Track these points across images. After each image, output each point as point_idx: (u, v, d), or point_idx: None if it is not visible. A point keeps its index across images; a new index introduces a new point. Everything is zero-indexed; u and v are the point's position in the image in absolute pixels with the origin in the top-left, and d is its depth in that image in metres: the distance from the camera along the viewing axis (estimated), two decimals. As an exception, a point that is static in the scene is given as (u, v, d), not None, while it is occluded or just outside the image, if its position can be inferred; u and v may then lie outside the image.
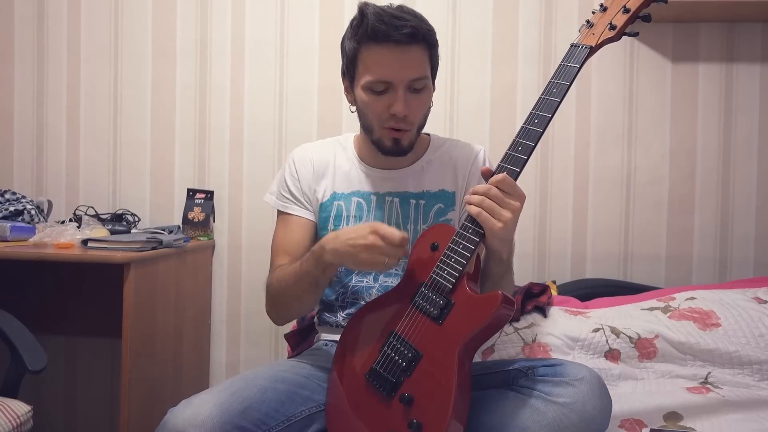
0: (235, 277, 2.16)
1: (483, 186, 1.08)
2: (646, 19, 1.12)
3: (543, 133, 1.09)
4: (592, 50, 1.13)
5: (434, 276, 1.11)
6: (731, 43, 2.03)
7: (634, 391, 1.47)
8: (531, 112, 1.11)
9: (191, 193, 2.10)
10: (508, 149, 1.11)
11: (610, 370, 1.53)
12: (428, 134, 1.43)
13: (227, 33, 2.15)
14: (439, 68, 1.32)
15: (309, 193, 1.39)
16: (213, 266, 2.16)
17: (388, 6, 1.24)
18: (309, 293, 1.26)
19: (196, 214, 2.08)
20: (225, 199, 2.16)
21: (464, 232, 1.10)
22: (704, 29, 2.03)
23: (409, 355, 1.08)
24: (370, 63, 1.22)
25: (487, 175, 1.11)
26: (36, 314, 2.10)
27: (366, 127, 1.32)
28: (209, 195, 2.10)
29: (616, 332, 1.60)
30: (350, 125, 2.01)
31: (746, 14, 1.96)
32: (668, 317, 1.64)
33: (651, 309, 1.69)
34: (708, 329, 1.59)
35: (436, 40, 1.28)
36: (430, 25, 1.25)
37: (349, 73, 1.29)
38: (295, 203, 1.39)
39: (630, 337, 1.58)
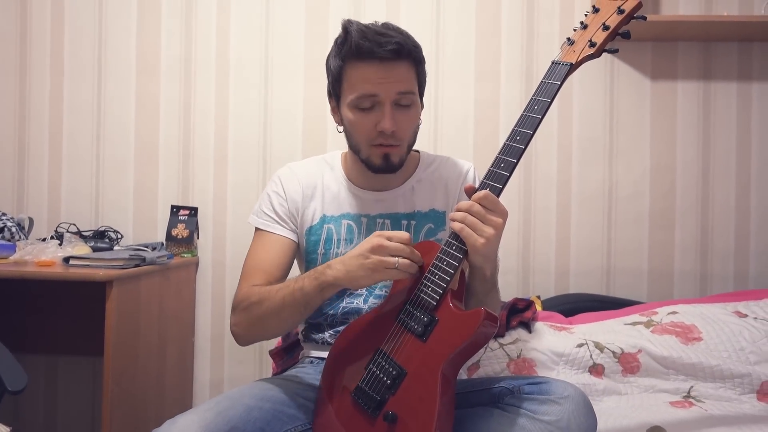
0: (219, 294, 2.15)
1: (466, 203, 1.08)
2: (626, 35, 1.13)
3: (525, 149, 1.10)
4: (573, 67, 1.14)
5: (418, 293, 1.11)
6: (708, 62, 2.08)
7: (618, 406, 1.48)
8: (513, 129, 1.12)
9: (175, 209, 2.09)
10: (491, 166, 1.11)
11: (594, 385, 1.54)
12: (418, 151, 1.43)
13: (211, 50, 2.15)
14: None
15: (296, 214, 1.36)
16: (197, 283, 2.14)
17: (372, 23, 1.24)
18: (295, 315, 1.21)
19: (180, 230, 2.06)
20: (209, 215, 2.15)
21: (448, 249, 1.10)
22: (682, 48, 2.08)
23: (394, 372, 1.08)
24: (355, 80, 1.22)
25: (470, 192, 1.11)
26: (16, 333, 2.08)
27: (354, 147, 1.31)
28: (193, 211, 2.09)
29: (599, 347, 1.61)
30: (335, 143, 2.02)
31: (722, 34, 2.01)
32: (651, 332, 1.66)
33: (634, 323, 1.71)
34: (690, 343, 1.61)
35: (422, 57, 1.28)
36: (415, 42, 1.25)
37: (335, 91, 1.29)
38: (279, 222, 1.35)
39: (613, 352, 1.60)
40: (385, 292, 1.30)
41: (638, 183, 2.09)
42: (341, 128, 1.32)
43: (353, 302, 1.32)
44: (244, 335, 1.28)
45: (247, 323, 1.25)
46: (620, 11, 1.12)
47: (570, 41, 1.16)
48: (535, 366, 1.58)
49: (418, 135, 1.33)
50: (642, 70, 2.09)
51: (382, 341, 1.13)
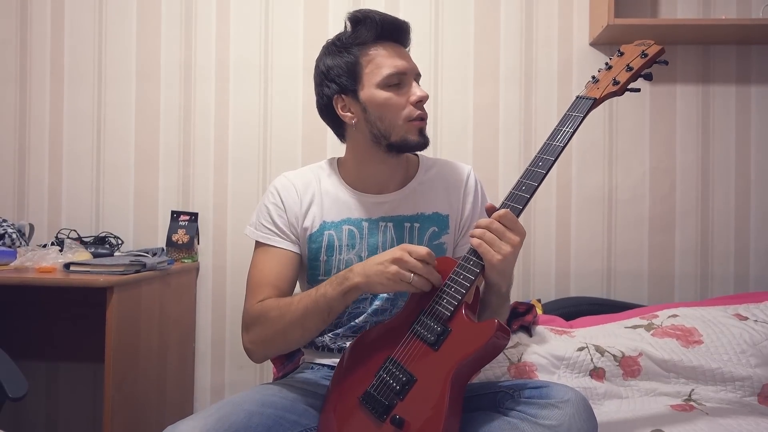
0: (220, 300, 2.15)
1: (486, 220, 1.12)
2: (648, 77, 1.20)
3: (546, 174, 1.15)
4: (596, 102, 1.19)
5: (433, 304, 1.14)
6: (707, 65, 2.08)
7: (619, 410, 1.47)
8: (536, 155, 1.17)
9: (175, 215, 2.09)
10: (513, 188, 1.16)
11: (595, 389, 1.54)
12: (416, 155, 1.43)
13: (211, 55, 2.16)
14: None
15: (296, 224, 1.34)
16: (197, 288, 2.15)
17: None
18: (319, 323, 1.22)
19: (180, 236, 2.07)
20: (209, 221, 2.15)
21: (465, 264, 1.13)
22: (681, 51, 2.08)
23: (404, 378, 1.10)
24: (381, 60, 1.26)
25: (490, 210, 1.14)
26: (17, 339, 2.08)
27: (383, 132, 1.27)
28: (193, 217, 2.09)
29: (600, 351, 1.61)
30: (335, 147, 2.01)
31: (721, 37, 2.02)
32: (651, 335, 1.66)
33: (634, 327, 1.71)
34: (691, 346, 1.61)
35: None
36: None
37: (350, 85, 1.27)
38: (279, 235, 1.34)
39: (614, 356, 1.60)
40: (390, 295, 1.31)
41: (638, 186, 2.09)
42: (354, 121, 1.29)
43: (359, 307, 1.33)
44: (261, 351, 1.29)
45: (267, 338, 1.25)
46: (644, 55, 1.19)
47: (594, 79, 1.22)
48: (535, 370, 1.58)
49: None
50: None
51: (393, 350, 1.15)
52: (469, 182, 1.39)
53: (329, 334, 1.35)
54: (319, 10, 2.14)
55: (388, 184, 1.35)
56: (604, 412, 1.42)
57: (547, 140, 1.18)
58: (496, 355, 1.11)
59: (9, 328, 2.07)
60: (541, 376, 1.56)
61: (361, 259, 1.31)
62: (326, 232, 1.33)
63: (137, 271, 1.70)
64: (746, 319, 1.69)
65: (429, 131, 2.09)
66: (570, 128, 1.17)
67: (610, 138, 2.10)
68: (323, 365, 1.34)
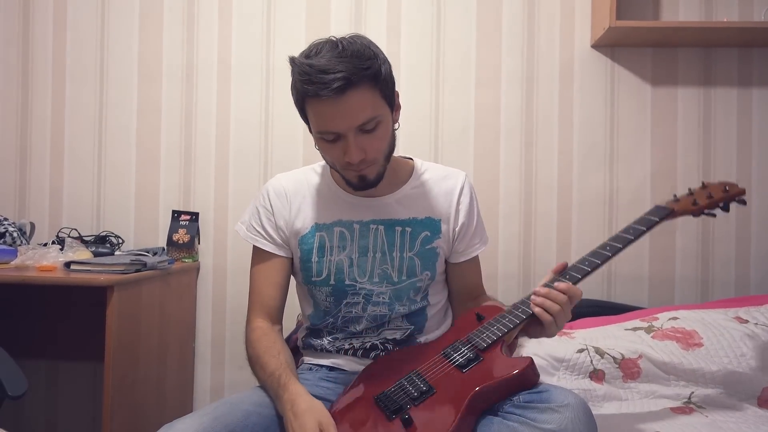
0: (220, 300, 2.15)
1: (555, 292, 1.17)
2: (725, 209, 1.31)
3: (611, 257, 1.25)
4: (672, 214, 1.30)
5: (472, 335, 1.20)
6: (708, 68, 2.08)
7: (619, 412, 1.47)
8: (605, 242, 1.27)
9: (176, 214, 2.09)
10: (578, 262, 1.25)
11: (594, 391, 1.54)
12: (411, 158, 1.42)
13: (213, 56, 2.16)
14: (422, 91, 1.32)
15: (285, 228, 1.35)
16: (198, 288, 2.15)
17: (315, 52, 1.17)
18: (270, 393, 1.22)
19: (181, 235, 2.07)
20: (210, 220, 2.15)
21: (515, 311, 1.20)
22: (682, 54, 2.08)
23: (423, 388, 1.13)
24: (313, 116, 1.19)
25: (560, 270, 1.24)
26: (17, 338, 2.08)
27: (331, 167, 1.30)
28: (194, 217, 2.09)
29: (600, 353, 1.61)
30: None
31: (722, 40, 2.01)
32: (651, 337, 1.65)
33: (634, 329, 1.71)
34: (690, 349, 1.60)
35: (380, 69, 1.17)
36: (367, 61, 1.15)
37: (303, 117, 1.25)
38: (267, 239, 1.35)
39: (614, 358, 1.59)
40: (383, 299, 1.31)
41: (639, 188, 2.09)
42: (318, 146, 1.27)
43: (351, 311, 1.33)
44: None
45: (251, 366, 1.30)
46: (725, 190, 1.30)
47: (676, 198, 1.34)
48: (535, 371, 1.57)
49: (413, 140, 1.32)
50: (642, 76, 2.09)
51: (419, 365, 1.20)
52: (464, 189, 1.39)
53: (328, 338, 1.35)
54: (320, 10, 2.14)
55: (380, 187, 1.31)
56: (603, 414, 1.42)
57: (619, 231, 1.28)
58: (520, 389, 1.12)
59: (9, 327, 2.08)
60: (541, 378, 1.54)
61: (351, 260, 1.31)
62: (317, 234, 1.33)
63: (138, 271, 1.70)
64: (746, 322, 1.69)
65: (430, 134, 2.11)
66: (643, 227, 1.27)
67: (611, 140, 2.10)
68: (322, 366, 1.34)
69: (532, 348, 1.62)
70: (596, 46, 2.08)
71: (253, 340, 1.28)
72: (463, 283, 1.41)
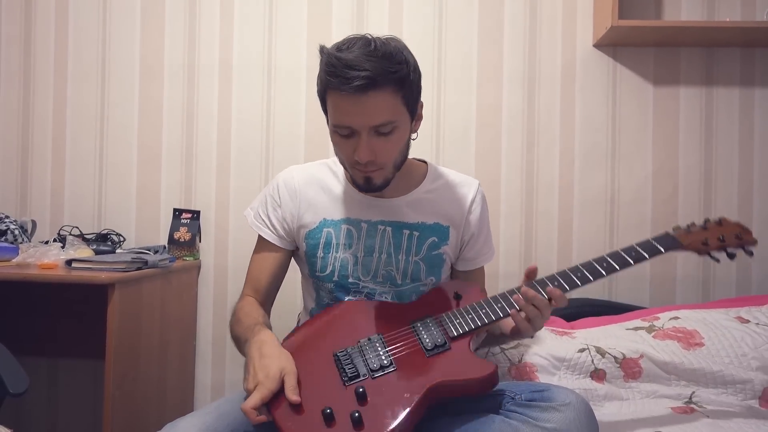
0: (221, 298, 2.15)
1: (541, 299, 1.16)
2: (732, 257, 1.26)
3: (605, 276, 1.20)
4: (680, 246, 1.25)
5: (445, 317, 1.18)
6: (710, 67, 2.08)
7: (620, 411, 1.47)
8: (603, 256, 1.22)
9: (177, 213, 2.09)
10: (570, 270, 1.21)
11: (595, 391, 1.54)
12: (425, 162, 1.42)
13: (215, 55, 2.16)
14: (424, 90, 1.31)
15: (290, 221, 1.36)
16: (199, 286, 2.15)
17: (347, 46, 1.16)
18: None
19: (182, 234, 2.07)
20: (211, 219, 2.15)
21: (494, 304, 1.18)
22: (684, 53, 2.08)
23: (385, 361, 1.12)
24: (332, 108, 1.19)
25: (532, 274, 1.21)
26: (18, 335, 2.08)
27: (341, 163, 1.30)
28: (195, 215, 2.09)
29: (601, 352, 1.60)
30: (337, 146, 2.02)
31: (724, 39, 2.01)
32: (653, 337, 1.65)
33: (636, 329, 1.70)
34: (692, 349, 1.60)
35: (408, 75, 1.17)
36: (396, 65, 1.15)
37: (323, 108, 1.25)
38: (271, 230, 1.38)
39: (615, 357, 1.59)
40: (385, 298, 1.31)
41: (640, 188, 2.09)
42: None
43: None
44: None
45: (230, 328, 1.33)
46: (738, 237, 1.26)
47: (688, 229, 1.29)
48: (536, 371, 1.57)
49: (410, 147, 1.30)
50: (644, 76, 2.09)
51: (385, 330, 1.18)
52: (477, 198, 1.39)
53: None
54: (322, 10, 2.14)
55: (391, 188, 1.31)
56: (604, 413, 1.42)
57: (620, 250, 1.23)
58: (476, 394, 1.12)
59: (10, 324, 2.08)
60: (542, 377, 1.55)
61: (356, 259, 1.31)
62: (325, 230, 1.33)
63: (139, 269, 1.70)
64: (748, 322, 1.68)
65: (431, 133, 2.10)
66: (646, 252, 1.22)
67: (612, 139, 2.10)
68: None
69: (532, 348, 1.62)
70: (598, 45, 2.08)
71: (238, 307, 1.32)
72: None
